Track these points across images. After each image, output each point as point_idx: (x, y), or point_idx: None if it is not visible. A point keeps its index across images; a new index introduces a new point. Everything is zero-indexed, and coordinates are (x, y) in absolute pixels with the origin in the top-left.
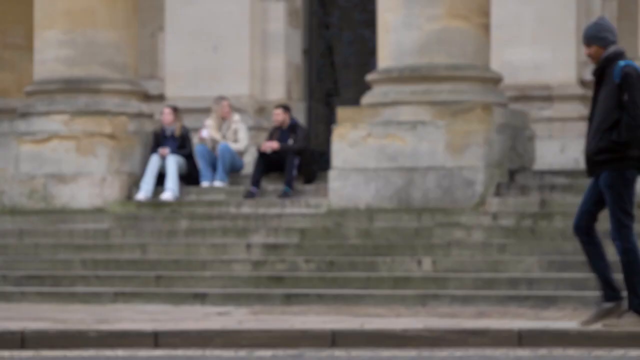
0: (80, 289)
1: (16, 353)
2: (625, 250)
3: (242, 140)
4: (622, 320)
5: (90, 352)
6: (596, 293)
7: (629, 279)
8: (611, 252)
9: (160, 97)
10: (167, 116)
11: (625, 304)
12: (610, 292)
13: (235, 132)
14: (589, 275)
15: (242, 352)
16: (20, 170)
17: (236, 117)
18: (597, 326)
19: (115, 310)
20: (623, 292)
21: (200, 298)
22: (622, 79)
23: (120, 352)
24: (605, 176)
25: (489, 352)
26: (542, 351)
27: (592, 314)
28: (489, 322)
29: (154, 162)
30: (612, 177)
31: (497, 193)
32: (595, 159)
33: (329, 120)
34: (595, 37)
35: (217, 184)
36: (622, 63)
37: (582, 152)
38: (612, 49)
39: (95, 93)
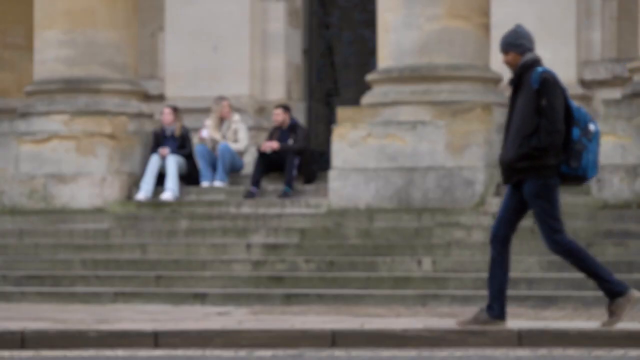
0: (80, 289)
1: (16, 353)
2: (567, 251)
3: (242, 140)
4: (613, 306)
5: (90, 352)
6: (596, 293)
7: (591, 271)
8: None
9: (160, 97)
10: (167, 116)
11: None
12: (497, 308)
13: (235, 132)
14: None
15: (242, 352)
16: (20, 170)
17: (236, 117)
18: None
19: (115, 310)
20: (506, 315)
21: (200, 298)
22: (541, 85)
23: (120, 352)
24: (529, 185)
25: (489, 352)
26: (542, 351)
27: (471, 317)
28: None
29: (154, 162)
30: (537, 186)
31: (497, 193)
32: (516, 166)
33: (329, 120)
34: (513, 44)
35: (217, 184)
36: (540, 69)
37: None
38: (529, 55)
39: (95, 93)
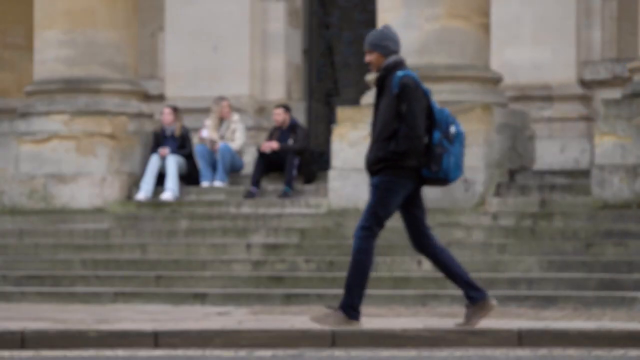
0: (80, 289)
1: (16, 353)
2: (361, 250)
3: (238, 139)
4: (334, 319)
5: (90, 352)
6: (596, 293)
7: (352, 279)
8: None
9: (160, 97)
10: (167, 116)
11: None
12: (473, 292)
13: (234, 132)
14: (589, 275)
15: (242, 352)
16: (20, 170)
17: (235, 117)
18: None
19: (115, 310)
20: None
21: (200, 298)
22: (400, 90)
23: (120, 352)
24: (378, 177)
25: (489, 352)
26: (542, 351)
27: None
28: (489, 322)
29: (154, 162)
30: (383, 180)
31: (497, 193)
32: (374, 168)
33: (329, 120)
34: (377, 44)
35: (217, 184)
36: (400, 73)
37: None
38: (392, 58)
39: (95, 93)
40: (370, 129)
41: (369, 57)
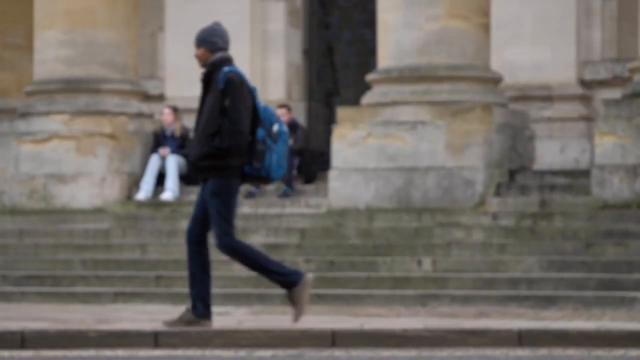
0: (80, 289)
1: (16, 353)
2: (235, 249)
3: None
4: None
5: (90, 352)
6: (596, 293)
7: (261, 268)
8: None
9: (160, 97)
10: (167, 116)
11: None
12: (201, 307)
13: None
14: (589, 275)
15: (242, 352)
16: (20, 170)
17: None
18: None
19: (115, 310)
20: (212, 314)
21: None
22: (226, 85)
23: (120, 352)
24: (211, 184)
25: (489, 352)
26: (542, 351)
27: (177, 317)
28: (489, 322)
29: (154, 162)
30: (217, 186)
31: (497, 193)
32: (200, 164)
33: (329, 120)
34: (205, 40)
35: None
36: (226, 69)
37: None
38: (219, 54)
39: (95, 93)
40: (194, 125)
41: (196, 52)
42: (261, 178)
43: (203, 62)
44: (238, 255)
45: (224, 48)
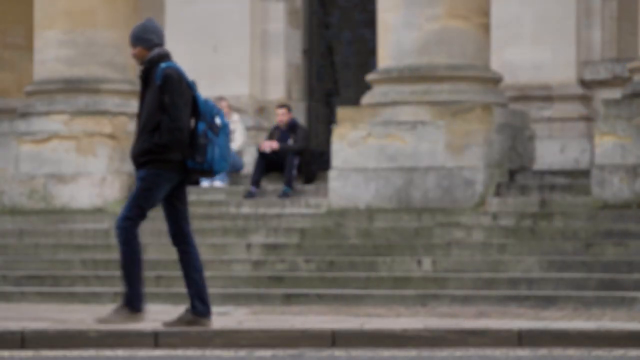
0: (80, 289)
1: (16, 353)
2: (126, 239)
3: (238, 139)
4: (119, 316)
5: (90, 352)
6: (596, 293)
7: (128, 271)
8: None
9: None
10: None
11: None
12: (199, 305)
13: (234, 132)
14: (589, 275)
15: (242, 352)
16: (20, 170)
17: (235, 117)
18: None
19: None
20: (211, 312)
21: None
22: (163, 81)
23: (120, 352)
24: (143, 170)
25: (489, 352)
26: (542, 351)
27: (176, 318)
28: (489, 322)
29: None
30: (149, 174)
31: (497, 193)
32: (139, 160)
33: (329, 120)
34: (140, 38)
35: (217, 184)
36: (163, 65)
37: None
38: (156, 51)
39: (95, 93)
40: (135, 122)
41: (133, 52)
42: (204, 172)
43: (141, 61)
44: (124, 245)
45: (160, 44)
